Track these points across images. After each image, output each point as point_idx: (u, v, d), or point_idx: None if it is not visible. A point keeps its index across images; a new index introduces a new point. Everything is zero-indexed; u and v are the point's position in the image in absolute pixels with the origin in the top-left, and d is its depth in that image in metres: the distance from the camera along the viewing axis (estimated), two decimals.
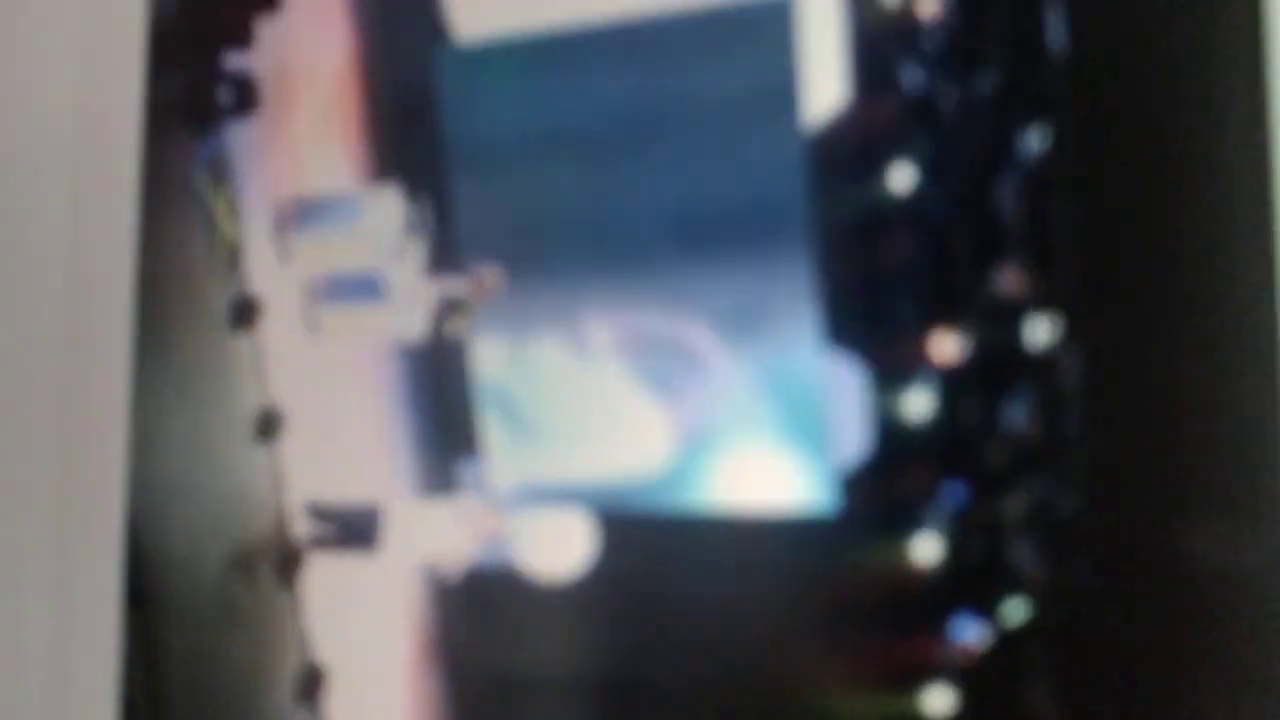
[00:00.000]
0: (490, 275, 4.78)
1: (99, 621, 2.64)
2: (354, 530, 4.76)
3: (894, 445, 4.98)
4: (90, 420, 2.47)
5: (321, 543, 4.65)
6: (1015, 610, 4.52)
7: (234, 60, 3.93)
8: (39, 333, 2.41)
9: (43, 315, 2.39)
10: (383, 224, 4.57)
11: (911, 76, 4.01)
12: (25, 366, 2.49)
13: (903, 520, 4.91)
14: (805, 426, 5.45)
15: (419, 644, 6.03)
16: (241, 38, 3.90)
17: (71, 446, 2.40)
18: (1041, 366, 4.27)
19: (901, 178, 4.06)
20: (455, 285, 4.75)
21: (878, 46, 4.03)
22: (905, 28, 4.02)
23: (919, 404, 4.72)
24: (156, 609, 3.53)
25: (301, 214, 4.48)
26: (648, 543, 5.40)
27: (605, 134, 5.04)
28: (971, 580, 4.72)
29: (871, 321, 4.57)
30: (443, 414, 5.86)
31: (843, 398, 5.15)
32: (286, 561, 4.45)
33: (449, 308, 4.80)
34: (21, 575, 2.49)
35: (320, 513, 4.65)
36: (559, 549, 5.83)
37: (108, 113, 2.49)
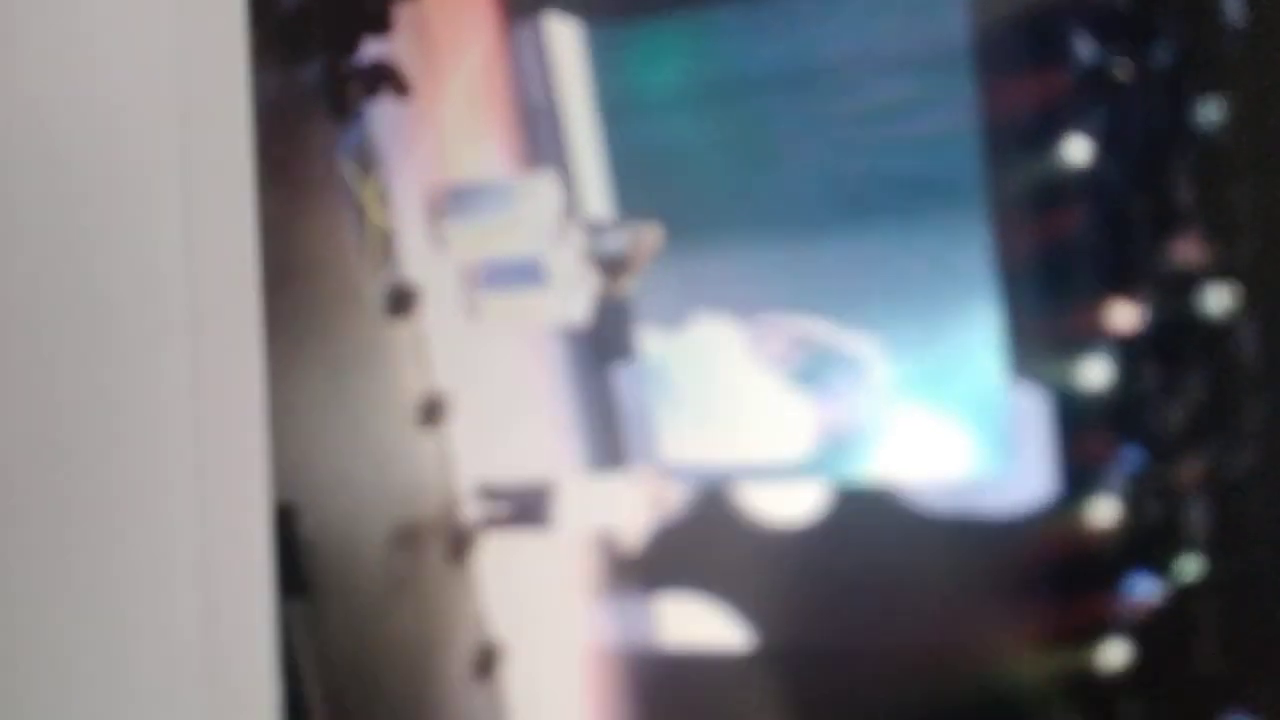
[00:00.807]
0: (649, 232, 4.71)
1: (249, 613, 2.41)
2: (526, 508, 4.68)
3: (1073, 412, 4.85)
4: (227, 411, 2.38)
5: (493, 523, 4.56)
6: (1188, 567, 4.37)
7: (373, 47, 3.88)
8: (164, 327, 2.30)
9: (166, 309, 2.30)
10: (540, 209, 4.52)
11: (1085, 47, 3.84)
12: (154, 362, 2.28)
13: (1082, 484, 4.80)
14: (984, 407, 5.27)
15: (596, 619, 5.93)
16: (379, 23, 3.84)
17: (208, 438, 2.31)
18: (1217, 335, 4.08)
19: (1078, 150, 3.90)
20: (615, 239, 4.67)
21: (1050, 16, 3.87)
22: None
23: (1097, 372, 4.56)
24: (322, 597, 3.37)
25: (455, 201, 4.44)
26: (858, 509, 5.32)
27: (767, 92, 4.90)
28: (1147, 541, 4.58)
29: (1051, 292, 4.43)
30: (608, 390, 5.77)
31: (1026, 420, 4.99)
32: (458, 542, 4.53)
33: (611, 266, 4.73)
34: (167, 572, 2.24)
35: (491, 493, 4.57)
36: (789, 499, 5.73)
37: (214, 102, 2.43)
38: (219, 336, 2.38)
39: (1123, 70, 3.49)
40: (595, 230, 4.81)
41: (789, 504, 6.12)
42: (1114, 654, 5.56)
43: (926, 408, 5.63)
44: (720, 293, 5.71)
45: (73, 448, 2.12)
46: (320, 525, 3.51)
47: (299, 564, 3.28)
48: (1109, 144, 3.83)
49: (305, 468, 3.60)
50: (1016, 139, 3.99)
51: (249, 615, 2.41)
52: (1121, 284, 4.37)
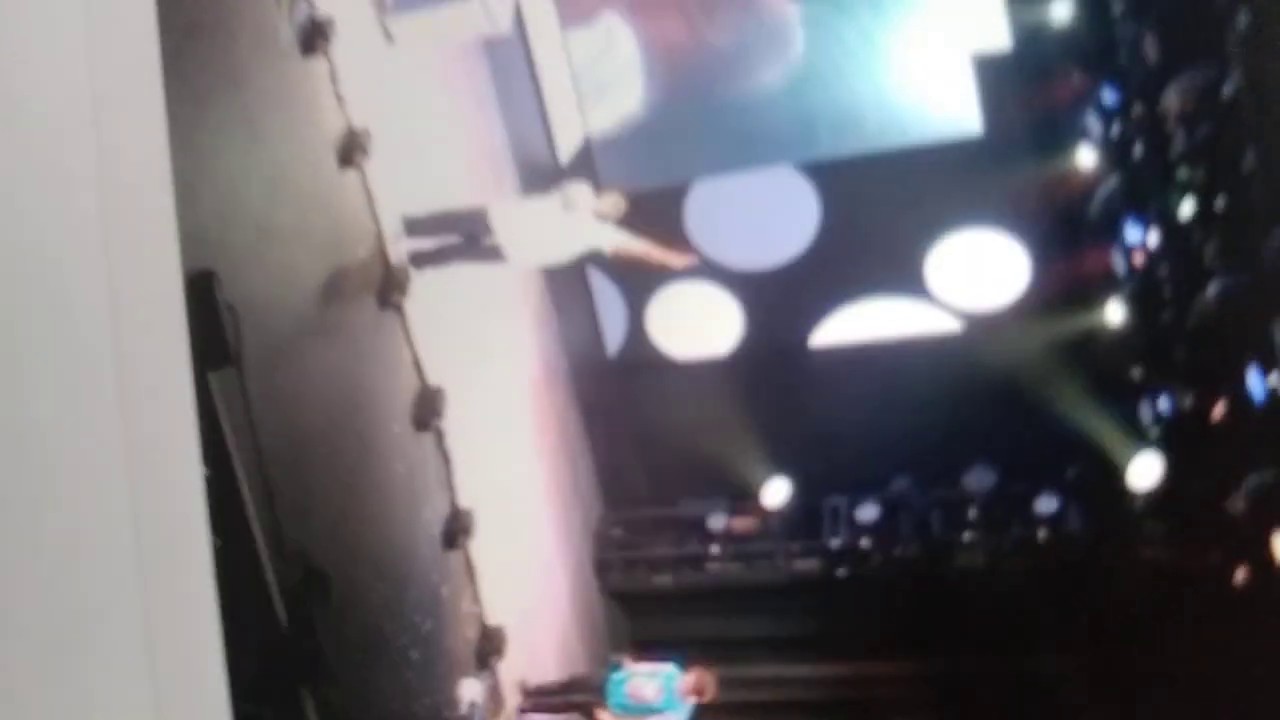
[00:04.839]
0: None
1: (169, 389, 2.61)
2: (461, 236, 4.86)
3: (1036, 54, 5.35)
4: (133, 180, 2.60)
5: (425, 258, 4.78)
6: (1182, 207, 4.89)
7: None
8: (64, 95, 2.48)
9: (64, 80, 2.50)
10: None
11: None
12: (56, 130, 2.44)
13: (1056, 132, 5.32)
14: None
15: (541, 355, 6.26)
16: None
17: (114, 213, 2.50)
18: None
19: None
20: None
21: None
22: None
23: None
24: (247, 364, 3.63)
25: None
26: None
27: None
28: (1135, 183, 5.12)
29: None
30: (540, 105, 6.04)
31: None
32: (389, 284, 4.90)
33: None
34: (80, 352, 2.40)
35: (420, 226, 4.77)
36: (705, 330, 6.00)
37: None
38: (121, 106, 2.59)
39: None
40: None
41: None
42: (1115, 313, 6.05)
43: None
44: None
45: None
46: (243, 288, 3.79)
47: (220, 333, 3.55)
48: None
49: (224, 229, 3.92)
50: None
51: (169, 391, 2.61)
52: None
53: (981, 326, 6.62)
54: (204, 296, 3.50)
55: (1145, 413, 5.95)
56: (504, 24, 5.44)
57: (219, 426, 3.55)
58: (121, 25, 2.68)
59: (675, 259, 5.33)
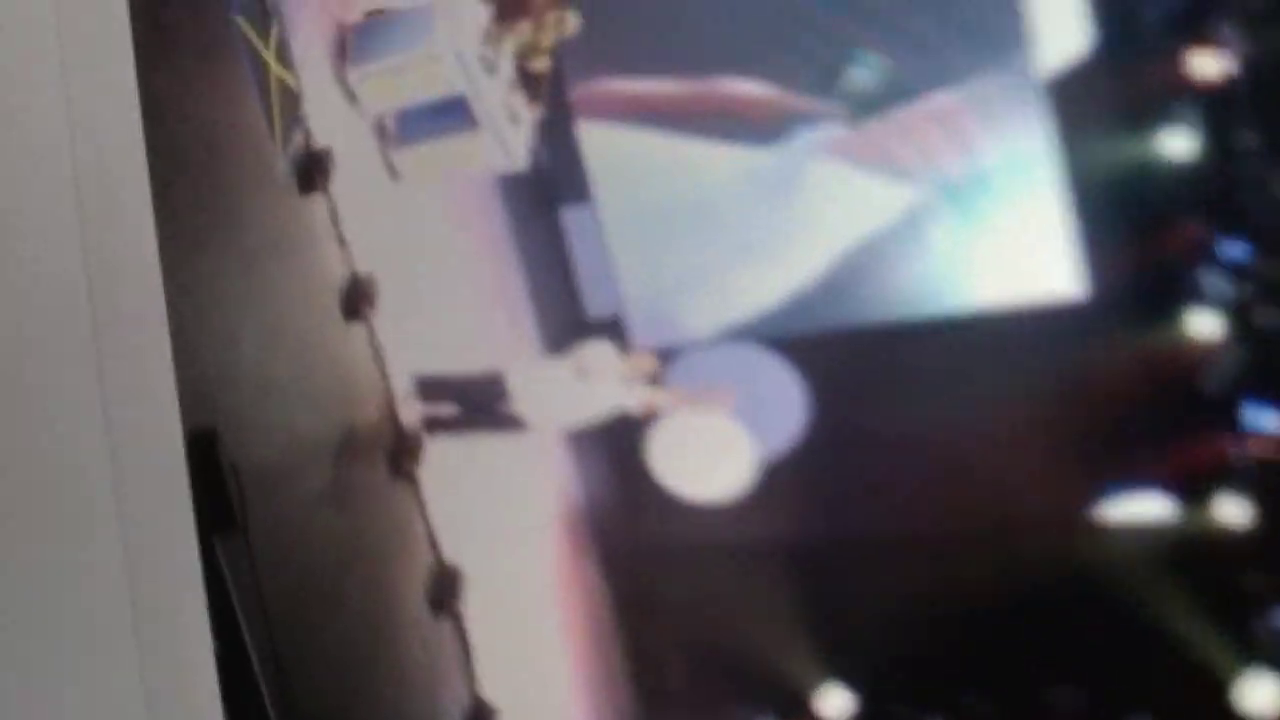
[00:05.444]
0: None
1: (174, 556, 2.52)
2: (477, 404, 4.80)
3: (1147, 199, 5.04)
4: (128, 332, 2.49)
5: (440, 424, 4.67)
6: None
7: None
8: (55, 241, 2.38)
9: (54, 217, 2.38)
10: (462, 34, 4.55)
11: None
12: (47, 286, 2.37)
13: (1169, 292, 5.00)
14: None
15: (568, 531, 6.07)
16: None
17: (111, 366, 2.39)
18: None
19: None
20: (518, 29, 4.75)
21: None
22: None
23: (1179, 143, 4.73)
24: (252, 529, 3.42)
25: (364, 38, 4.48)
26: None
27: None
28: (1262, 360, 4.84)
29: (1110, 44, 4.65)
30: (561, 254, 5.88)
31: None
32: (400, 450, 4.66)
33: (524, 55, 4.80)
34: (84, 519, 2.33)
35: (433, 388, 4.67)
36: (713, 464, 5.82)
37: None
38: (113, 244, 2.48)
39: None
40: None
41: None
42: (1231, 510, 5.75)
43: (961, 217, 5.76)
44: None
45: None
46: (244, 447, 3.59)
47: (223, 494, 3.36)
48: None
49: (222, 382, 3.72)
50: None
51: (174, 558, 2.51)
52: (1199, 22, 4.61)
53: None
54: (206, 457, 3.32)
55: (1263, 628, 5.70)
56: (520, 158, 5.28)
57: (227, 598, 3.33)
58: (109, 152, 2.55)
59: (715, 403, 5.26)
